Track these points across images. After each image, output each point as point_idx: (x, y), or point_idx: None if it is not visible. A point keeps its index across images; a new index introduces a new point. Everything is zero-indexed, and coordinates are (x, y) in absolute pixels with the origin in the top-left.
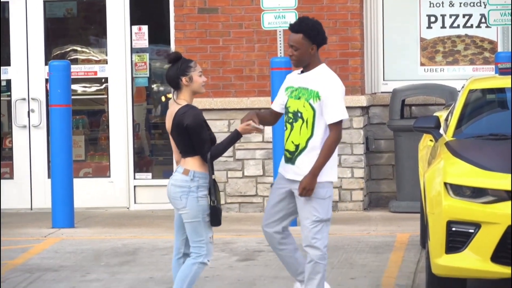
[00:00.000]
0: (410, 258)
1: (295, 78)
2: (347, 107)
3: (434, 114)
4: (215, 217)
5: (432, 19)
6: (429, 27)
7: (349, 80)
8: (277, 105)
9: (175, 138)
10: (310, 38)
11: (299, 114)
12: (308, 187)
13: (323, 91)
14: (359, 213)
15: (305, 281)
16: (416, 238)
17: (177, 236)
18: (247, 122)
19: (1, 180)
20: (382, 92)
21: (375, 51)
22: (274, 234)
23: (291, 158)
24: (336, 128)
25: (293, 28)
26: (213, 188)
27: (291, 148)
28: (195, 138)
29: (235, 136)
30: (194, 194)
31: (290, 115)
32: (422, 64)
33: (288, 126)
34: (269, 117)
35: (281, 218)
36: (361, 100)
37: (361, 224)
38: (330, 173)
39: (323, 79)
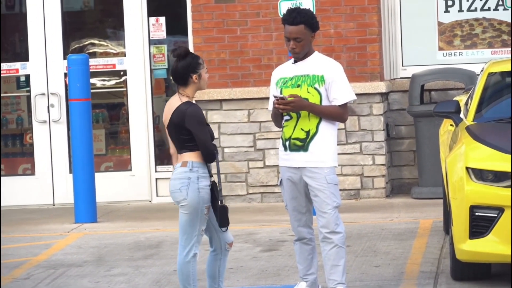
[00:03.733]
0: (433, 244)
1: (286, 69)
2: (367, 94)
3: (454, 98)
4: (224, 217)
5: (449, 2)
6: (446, 11)
7: (367, 67)
8: None
9: (171, 133)
10: (311, 27)
11: None
12: (297, 103)
13: (328, 75)
14: (382, 200)
15: (327, 271)
16: (439, 224)
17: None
18: None
19: (23, 176)
20: (401, 78)
21: (393, 37)
22: (306, 230)
23: (302, 146)
24: (344, 109)
25: (294, 20)
26: (219, 186)
27: (301, 135)
28: (200, 135)
29: None
30: (195, 185)
31: None
32: (440, 49)
33: (294, 114)
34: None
35: (305, 213)
36: (380, 86)
37: (384, 211)
38: (336, 158)
39: (325, 63)
